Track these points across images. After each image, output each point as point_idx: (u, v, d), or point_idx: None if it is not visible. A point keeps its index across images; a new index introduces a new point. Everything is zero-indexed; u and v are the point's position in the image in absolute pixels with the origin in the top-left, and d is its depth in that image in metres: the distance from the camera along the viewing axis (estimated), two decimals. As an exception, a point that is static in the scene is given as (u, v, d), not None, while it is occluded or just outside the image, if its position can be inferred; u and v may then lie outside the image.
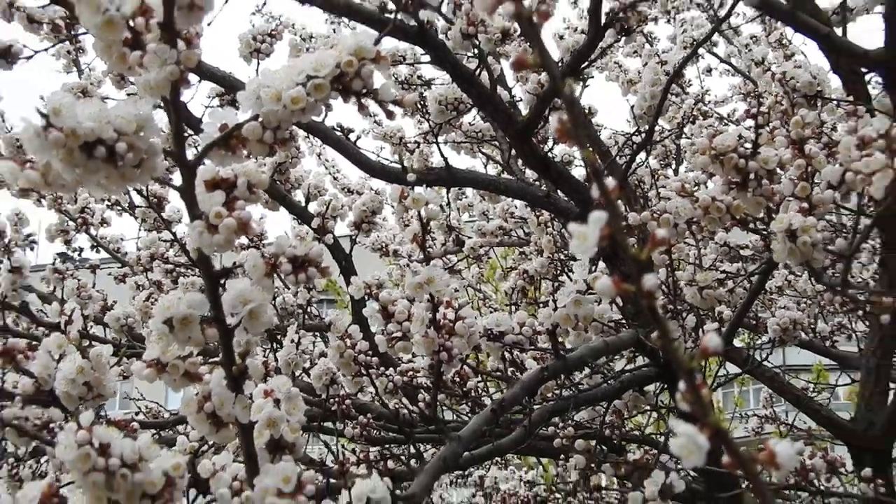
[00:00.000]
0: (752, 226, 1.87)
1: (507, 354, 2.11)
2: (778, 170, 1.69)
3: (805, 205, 1.64)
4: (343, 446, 2.80)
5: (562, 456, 2.48)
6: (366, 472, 1.87)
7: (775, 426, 4.27)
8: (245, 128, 1.03)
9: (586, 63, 2.57)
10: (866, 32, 2.95)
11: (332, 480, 1.60)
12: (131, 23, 0.99)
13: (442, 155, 2.94)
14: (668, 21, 4.31)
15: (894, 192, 1.61)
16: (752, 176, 1.69)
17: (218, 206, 1.03)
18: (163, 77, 0.97)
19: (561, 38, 3.74)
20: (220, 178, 1.05)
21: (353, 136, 2.89)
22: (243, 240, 3.48)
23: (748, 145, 1.76)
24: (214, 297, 1.08)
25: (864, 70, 2.74)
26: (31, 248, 3.55)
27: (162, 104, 1.04)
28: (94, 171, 0.97)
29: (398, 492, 1.33)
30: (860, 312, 2.57)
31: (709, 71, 4.72)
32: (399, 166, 2.91)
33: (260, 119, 1.03)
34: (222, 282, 1.10)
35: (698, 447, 0.66)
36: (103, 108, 0.97)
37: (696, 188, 1.90)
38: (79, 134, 0.94)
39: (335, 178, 4.94)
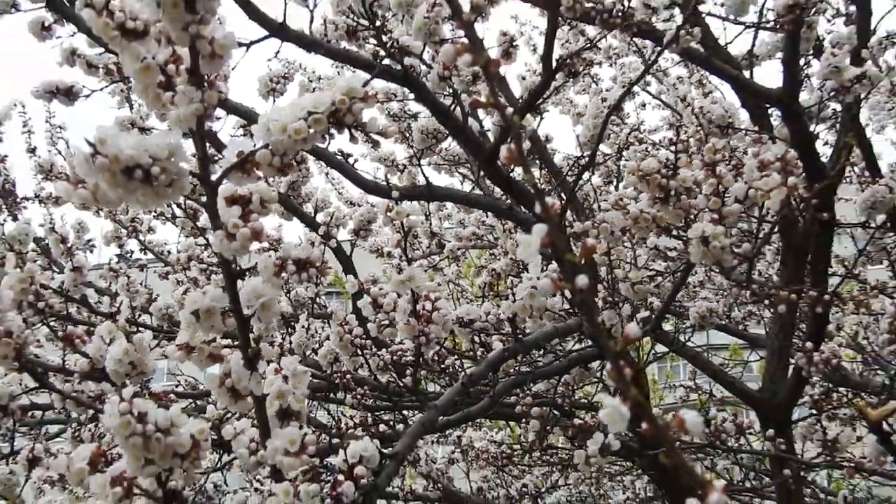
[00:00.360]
0: (673, 233, 1.88)
1: (476, 338, 2.11)
2: (694, 187, 1.70)
3: (716, 216, 1.65)
4: (342, 413, 2.80)
5: (522, 420, 2.48)
6: (360, 434, 1.88)
7: (698, 395, 4.27)
8: (258, 154, 1.03)
9: (542, 100, 2.57)
10: (769, 75, 2.97)
11: (333, 441, 1.60)
12: (165, 68, 0.99)
13: (424, 175, 2.95)
14: (611, 65, 4.31)
15: (789, 204, 1.62)
16: (672, 192, 1.69)
17: (235, 219, 1.03)
18: (189, 113, 0.97)
19: (523, 78, 3.74)
20: (237, 195, 1.05)
21: (351, 160, 2.88)
22: (265, 244, 3.49)
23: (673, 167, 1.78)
24: (233, 293, 1.08)
25: (767, 105, 2.75)
26: (91, 251, 3.56)
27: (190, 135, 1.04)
28: (134, 191, 0.97)
29: (386, 450, 1.33)
30: (766, 302, 2.57)
31: (643, 105, 4.72)
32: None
33: (269, 147, 1.03)
34: (241, 280, 1.10)
35: (621, 416, 0.67)
36: (141, 138, 0.97)
37: (631, 202, 1.90)
38: (120, 160, 0.95)
39: (339, 193, 4.93)
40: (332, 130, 1.07)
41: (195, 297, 1.08)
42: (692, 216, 1.70)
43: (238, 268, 1.10)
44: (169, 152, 0.98)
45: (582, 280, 0.70)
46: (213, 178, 1.05)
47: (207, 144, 1.08)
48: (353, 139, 1.08)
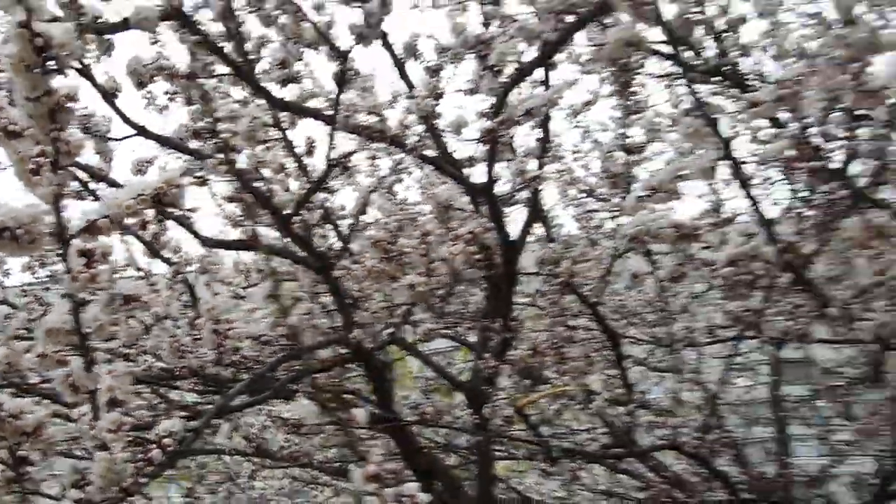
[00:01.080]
0: (400, 280, 1.92)
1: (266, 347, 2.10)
2: (410, 250, 1.75)
3: (423, 270, 1.70)
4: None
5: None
6: (179, 414, 1.85)
7: (432, 384, 4.34)
8: (99, 221, 1.03)
9: (325, 184, 2.60)
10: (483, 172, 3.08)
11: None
12: (35, 159, 0.98)
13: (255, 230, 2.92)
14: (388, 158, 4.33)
15: (471, 262, 1.70)
16: (394, 254, 1.74)
17: (80, 266, 1.02)
18: (49, 192, 0.96)
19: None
20: (85, 249, 1.04)
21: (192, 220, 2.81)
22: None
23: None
24: (76, 317, 1.06)
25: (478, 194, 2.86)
26: (7, 276, 3.35)
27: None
28: (5, 246, 0.96)
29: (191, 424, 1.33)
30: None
31: (407, 188, 4.77)
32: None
33: (109, 216, 1.03)
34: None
35: (311, 412, 0.70)
36: (12, 208, 0.96)
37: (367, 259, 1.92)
38: (-8, 224, 0.93)
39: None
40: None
41: (47, 319, 1.06)
42: (409, 270, 1.75)
43: (83, 299, 1.09)
44: (32, 219, 0.97)
45: (293, 319, 0.73)
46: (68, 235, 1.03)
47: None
48: (168, 214, 1.09)
